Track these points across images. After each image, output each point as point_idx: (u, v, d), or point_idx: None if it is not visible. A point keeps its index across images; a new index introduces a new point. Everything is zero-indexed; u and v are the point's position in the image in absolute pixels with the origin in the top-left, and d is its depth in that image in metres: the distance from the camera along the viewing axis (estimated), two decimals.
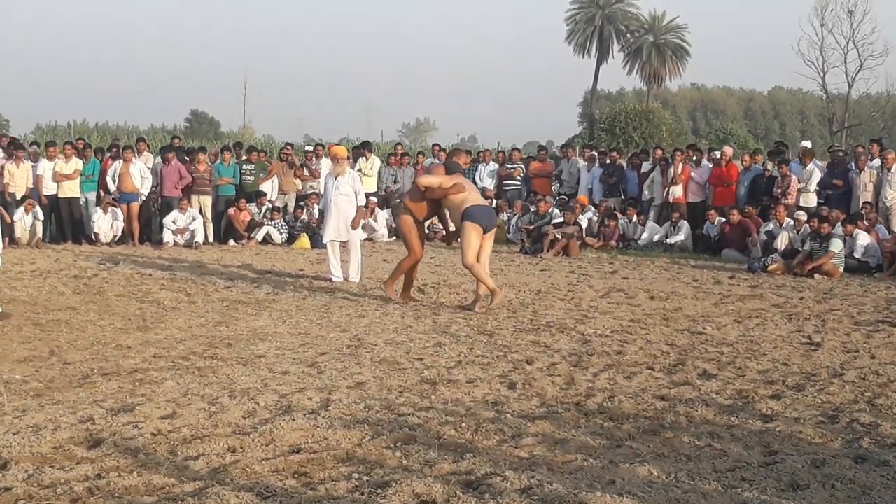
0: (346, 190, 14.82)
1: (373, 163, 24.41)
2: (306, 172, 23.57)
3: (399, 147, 29.41)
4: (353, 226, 14.86)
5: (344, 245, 15.11)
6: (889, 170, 19.19)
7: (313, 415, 6.91)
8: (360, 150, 24.95)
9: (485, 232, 12.18)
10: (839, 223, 17.64)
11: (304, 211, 22.02)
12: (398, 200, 13.97)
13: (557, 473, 5.58)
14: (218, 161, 22.81)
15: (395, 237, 22.81)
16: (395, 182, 24.70)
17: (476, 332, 10.64)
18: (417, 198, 12.72)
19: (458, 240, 12.40)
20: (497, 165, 25.13)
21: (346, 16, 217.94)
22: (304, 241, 21.00)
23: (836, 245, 16.57)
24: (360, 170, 23.16)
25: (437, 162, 21.84)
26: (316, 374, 8.39)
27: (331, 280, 14.83)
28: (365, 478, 5.52)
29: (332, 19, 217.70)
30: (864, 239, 17.24)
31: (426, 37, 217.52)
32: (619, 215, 21.70)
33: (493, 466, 5.71)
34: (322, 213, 15.77)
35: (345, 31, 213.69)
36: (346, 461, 5.87)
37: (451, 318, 11.52)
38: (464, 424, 6.69)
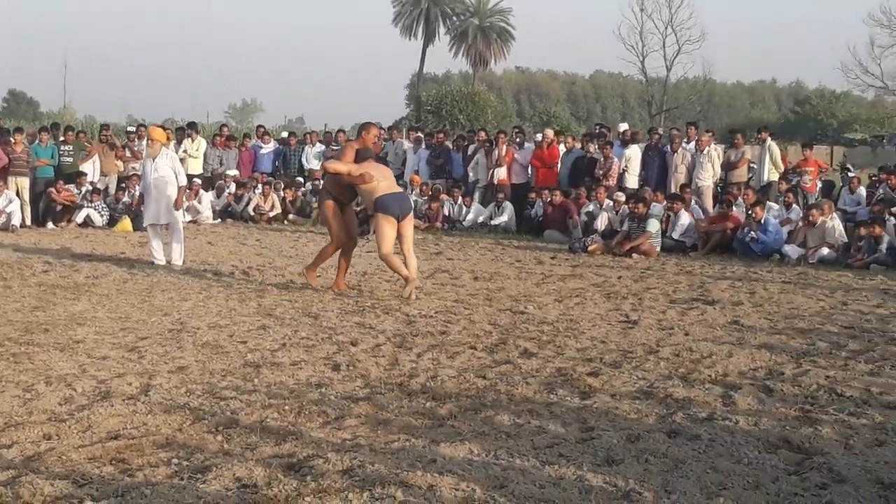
0: (165, 171, 14.58)
1: (198, 144, 24.11)
2: (128, 154, 23.10)
3: (225, 128, 29.01)
4: (176, 206, 14.65)
5: (166, 227, 14.87)
6: (702, 152, 19.85)
7: (132, 400, 6.78)
8: (186, 130, 24.58)
9: (401, 219, 11.76)
10: (657, 203, 18.18)
11: (126, 193, 21.56)
12: (321, 185, 13.35)
13: (380, 454, 5.61)
14: (35, 142, 22.14)
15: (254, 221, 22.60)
16: (221, 164, 24.43)
17: (301, 314, 10.61)
18: (335, 182, 12.13)
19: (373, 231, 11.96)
20: (323, 147, 25.07)
21: None
22: (126, 223, 20.56)
23: (653, 225, 17.07)
24: (185, 151, 22.87)
25: (337, 146, 21.87)
26: (136, 358, 8.23)
27: (153, 263, 14.57)
28: (185, 463, 5.45)
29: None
30: (685, 219, 17.83)
31: (252, 17, 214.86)
32: (445, 197, 21.89)
33: (316, 448, 5.71)
34: (143, 194, 15.49)
35: (168, 9, 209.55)
36: (165, 446, 5.79)
37: (275, 301, 11.44)
38: (287, 407, 6.67)
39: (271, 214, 22.80)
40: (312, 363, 8.16)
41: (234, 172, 23.93)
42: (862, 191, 20.71)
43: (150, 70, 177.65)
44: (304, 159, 24.87)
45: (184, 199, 15.27)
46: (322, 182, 14.57)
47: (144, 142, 22.39)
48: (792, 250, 16.49)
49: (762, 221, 16.86)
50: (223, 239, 19.16)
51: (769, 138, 20.97)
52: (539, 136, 22.86)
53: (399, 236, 11.89)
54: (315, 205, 22.61)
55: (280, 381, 7.52)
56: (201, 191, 22.39)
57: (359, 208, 13.44)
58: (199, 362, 8.10)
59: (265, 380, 7.54)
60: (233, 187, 23.45)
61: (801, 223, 17.29)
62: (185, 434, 6.04)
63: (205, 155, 24.29)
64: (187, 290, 12.19)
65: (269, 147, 25.53)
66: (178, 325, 9.79)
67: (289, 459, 5.52)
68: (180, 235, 14.81)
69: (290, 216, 23.10)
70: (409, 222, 11.95)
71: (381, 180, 11.89)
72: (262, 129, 27.40)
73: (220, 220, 22.79)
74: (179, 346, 8.78)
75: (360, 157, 12.02)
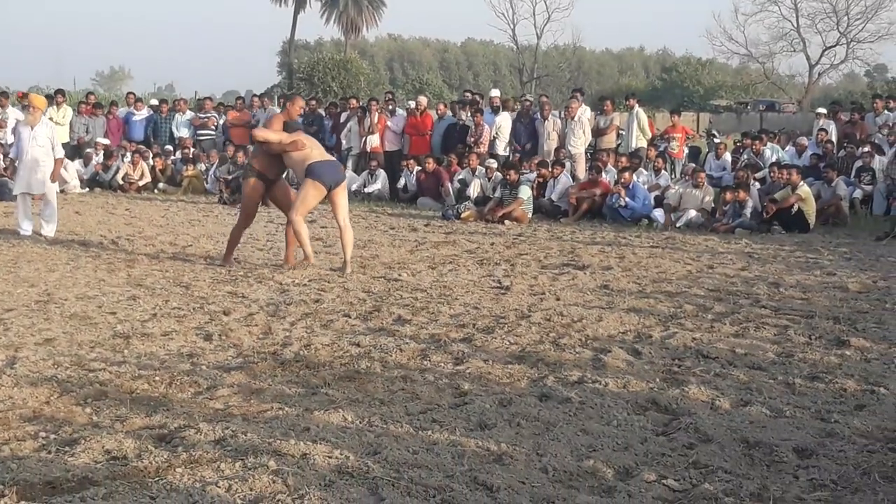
0: (43, 141, 14.26)
1: (64, 112, 23.52)
2: None
3: (92, 96, 28.33)
4: (53, 178, 14.35)
5: (36, 198, 14.53)
6: (573, 118, 20.04)
7: None
8: (55, 97, 23.99)
9: (332, 189, 11.42)
10: (529, 171, 18.36)
11: None
12: (247, 162, 12.94)
13: (252, 423, 5.59)
14: None
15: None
16: (88, 132, 23.91)
17: (172, 284, 10.47)
18: (262, 155, 11.68)
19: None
20: (192, 114, 24.74)
21: None
22: None
23: (525, 192, 17.23)
24: (50, 118, 22.28)
25: (205, 114, 21.59)
26: (1, 331, 8.04)
27: (19, 233, 14.22)
28: (52, 436, 5.36)
29: None
30: (563, 182, 18.03)
31: None
32: None
33: (187, 419, 5.67)
34: (6, 164, 15.06)
35: None
36: (32, 420, 5.68)
37: (145, 271, 11.27)
38: (157, 378, 6.59)
39: (141, 183, 22.41)
40: (184, 333, 8.08)
41: (106, 141, 23.46)
42: (727, 156, 21.19)
43: (14, 34, 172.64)
44: (174, 127, 24.50)
45: (60, 170, 14.98)
46: (248, 156, 14.22)
47: (7, 110, 21.91)
48: (661, 215, 16.80)
49: (630, 187, 17.14)
50: (91, 208, 18.78)
51: (637, 105, 21.31)
52: (412, 104, 22.84)
53: (333, 206, 11.68)
54: (186, 173, 22.33)
55: (150, 351, 7.43)
56: (65, 160, 21.84)
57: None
58: (66, 334, 7.96)
59: (135, 351, 7.45)
60: (101, 156, 22.98)
61: (678, 188, 17.60)
62: (53, 407, 5.94)
63: (71, 123, 23.74)
64: (54, 261, 11.94)
65: (142, 114, 25.09)
66: (45, 297, 9.59)
67: (160, 430, 5.47)
68: (54, 207, 14.46)
69: (161, 185, 22.74)
70: (343, 191, 11.68)
71: (315, 148, 11.61)
72: (133, 96, 26.89)
73: (87, 189, 22.31)
74: (46, 317, 8.60)
75: (287, 129, 11.61)
